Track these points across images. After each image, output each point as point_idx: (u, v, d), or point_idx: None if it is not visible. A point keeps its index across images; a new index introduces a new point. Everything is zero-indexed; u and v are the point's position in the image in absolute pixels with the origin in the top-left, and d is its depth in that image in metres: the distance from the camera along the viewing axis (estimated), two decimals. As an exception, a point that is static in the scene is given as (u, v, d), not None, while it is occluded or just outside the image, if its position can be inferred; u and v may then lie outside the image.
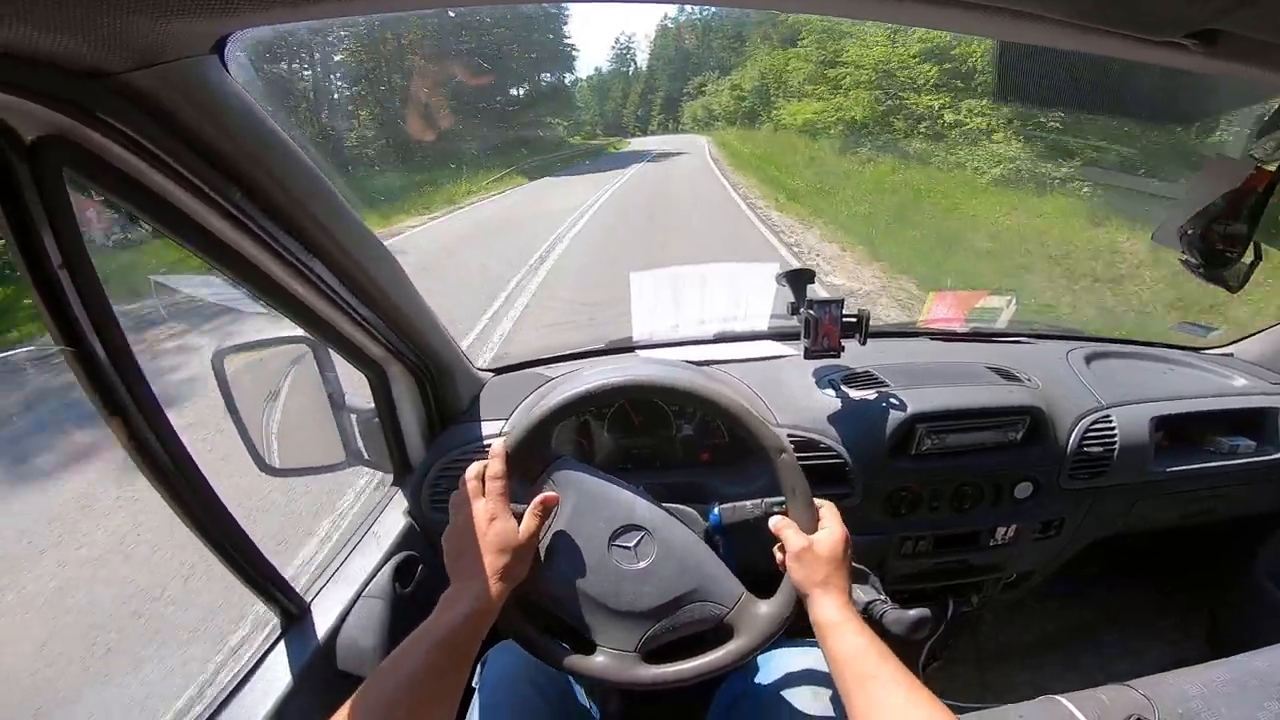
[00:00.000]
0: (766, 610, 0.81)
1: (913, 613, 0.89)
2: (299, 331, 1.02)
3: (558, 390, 0.93)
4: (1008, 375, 1.28)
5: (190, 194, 0.60)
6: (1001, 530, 1.27)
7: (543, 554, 0.82)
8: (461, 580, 0.73)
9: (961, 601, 1.40)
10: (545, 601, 0.82)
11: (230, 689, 0.86)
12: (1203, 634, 1.74)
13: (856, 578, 0.91)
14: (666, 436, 1.21)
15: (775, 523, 0.84)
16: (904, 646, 0.77)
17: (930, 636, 1.47)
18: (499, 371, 1.33)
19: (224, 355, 1.01)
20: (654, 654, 0.82)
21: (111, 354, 0.59)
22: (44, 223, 0.51)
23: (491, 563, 0.73)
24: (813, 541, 0.79)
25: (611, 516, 0.85)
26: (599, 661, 0.80)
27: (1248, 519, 1.53)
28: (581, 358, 1.37)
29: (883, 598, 0.90)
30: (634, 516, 0.85)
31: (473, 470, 0.79)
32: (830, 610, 0.75)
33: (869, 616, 0.90)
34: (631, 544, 0.84)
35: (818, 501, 0.85)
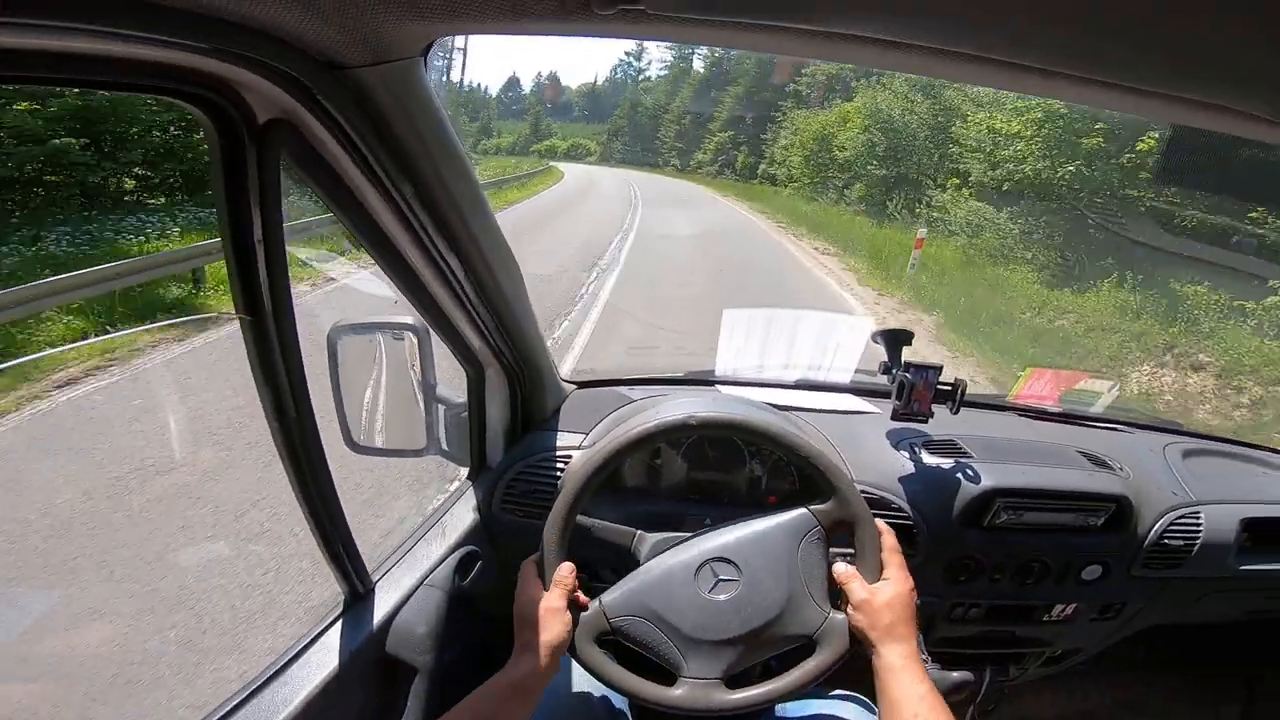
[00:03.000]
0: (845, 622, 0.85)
1: (956, 675, 0.93)
2: (409, 320, 1.08)
3: (655, 412, 0.95)
4: (1099, 462, 1.25)
5: (372, 185, 0.65)
6: (1059, 608, 1.26)
7: (631, 595, 0.86)
8: (514, 651, 0.83)
9: (999, 671, 1.38)
10: (630, 643, 0.85)
11: (288, 658, 0.88)
12: None
13: None
14: (736, 473, 1.21)
15: (839, 572, 0.87)
16: None
17: (969, 702, 1.43)
18: (582, 385, 1.36)
19: (340, 332, 1.07)
20: (735, 677, 0.84)
21: (280, 328, 0.63)
22: (256, 199, 0.55)
23: (527, 638, 0.83)
24: (873, 592, 0.83)
25: (692, 555, 0.88)
26: (679, 693, 0.83)
27: None
28: (663, 384, 1.39)
29: (925, 657, 0.91)
30: (715, 549, 0.88)
31: (533, 556, 0.90)
32: (893, 656, 0.79)
33: None
34: (717, 575, 0.86)
35: (888, 546, 0.87)
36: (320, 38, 0.49)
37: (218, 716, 0.76)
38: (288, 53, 0.49)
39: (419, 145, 0.65)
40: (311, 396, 0.73)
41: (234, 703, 0.78)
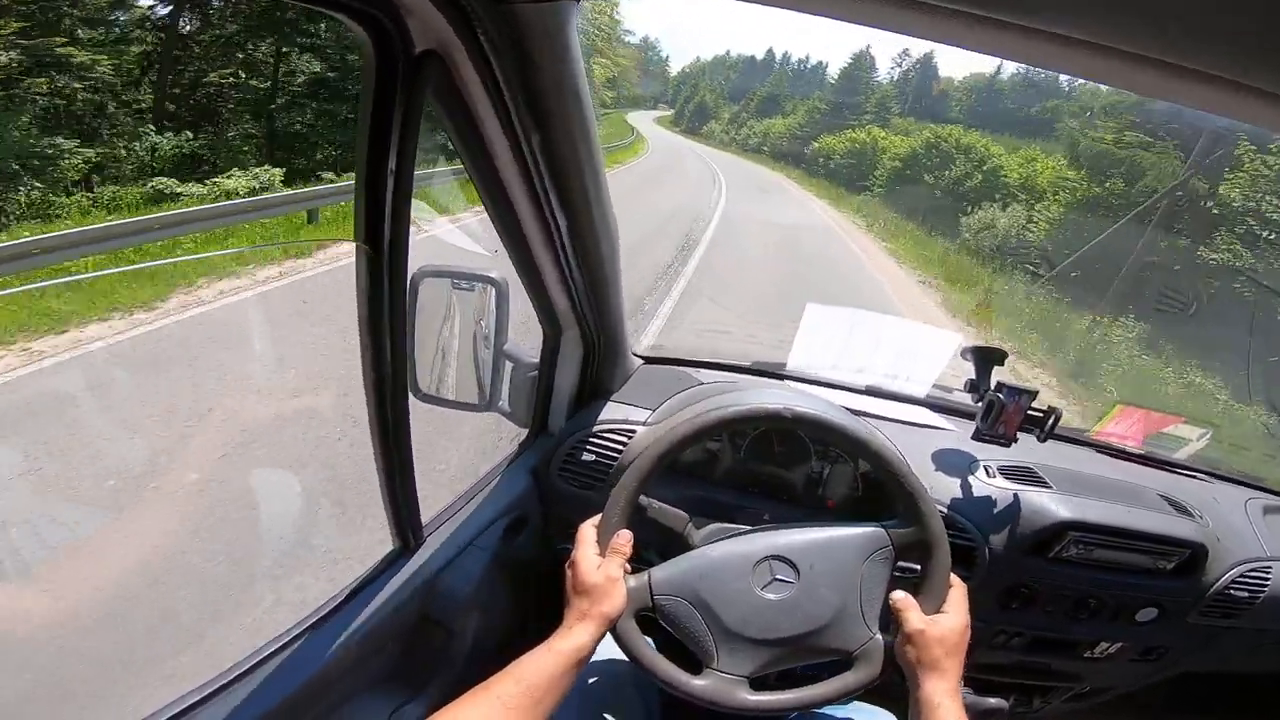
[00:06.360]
0: (887, 645, 0.83)
1: (991, 701, 0.88)
2: (492, 273, 1.06)
3: (744, 396, 0.91)
4: (1180, 508, 1.20)
5: (504, 130, 0.63)
6: (1103, 645, 1.22)
7: (681, 576, 0.84)
8: (568, 617, 0.80)
9: (1021, 701, 1.35)
10: (668, 623, 0.83)
11: (331, 607, 0.88)
12: None
13: None
14: (796, 471, 1.18)
15: (897, 600, 0.84)
16: None
17: None
18: (650, 361, 1.33)
19: (424, 275, 1.05)
20: (761, 679, 0.82)
21: (394, 264, 0.61)
22: (397, 129, 0.53)
23: (586, 607, 0.79)
24: (929, 624, 0.80)
25: (754, 548, 0.85)
26: (702, 683, 0.81)
27: None
28: (732, 370, 1.35)
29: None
30: (778, 547, 0.85)
31: (592, 519, 0.87)
32: (937, 693, 0.76)
33: None
34: (774, 574, 0.84)
35: (952, 578, 0.84)
36: None
37: (255, 661, 0.77)
38: None
39: (557, 94, 0.63)
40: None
41: (274, 647, 0.79)
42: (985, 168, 17.81)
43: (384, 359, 0.69)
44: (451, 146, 0.69)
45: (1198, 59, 0.36)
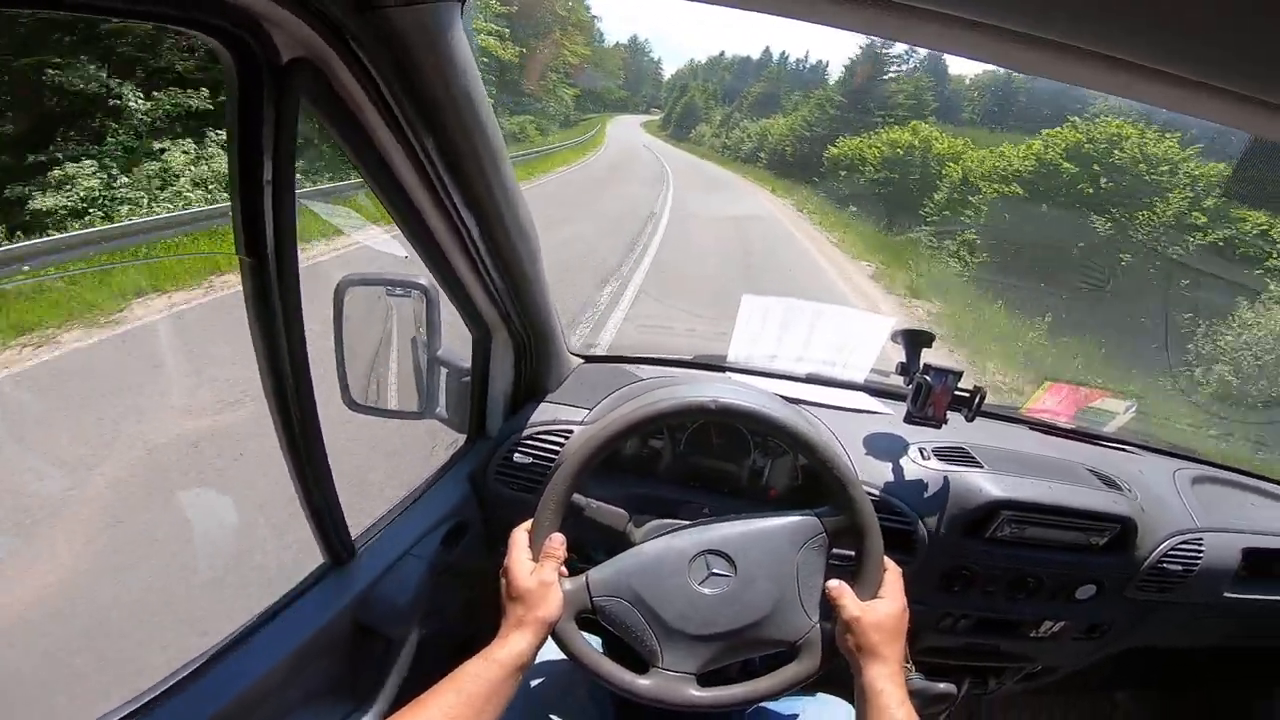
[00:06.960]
0: (828, 633, 0.83)
1: (941, 686, 0.90)
2: (419, 279, 1.04)
3: (675, 391, 0.91)
4: (1108, 481, 1.23)
5: (393, 135, 0.62)
6: (1047, 624, 1.25)
7: (618, 575, 0.83)
8: (504, 626, 0.79)
9: (977, 684, 1.38)
10: (609, 624, 0.83)
11: (257, 622, 0.86)
12: None
13: None
14: (739, 463, 1.19)
15: (830, 588, 0.84)
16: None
17: (946, 713, 1.44)
18: (589, 360, 1.33)
19: (348, 285, 1.04)
20: (709, 675, 0.82)
21: (282, 274, 0.60)
22: (270, 140, 0.52)
23: (521, 614, 0.79)
24: (865, 610, 0.81)
25: (688, 543, 0.85)
26: (648, 683, 0.80)
27: None
28: (672, 365, 1.36)
29: (909, 665, 0.89)
30: (712, 541, 0.85)
31: (524, 524, 0.86)
32: (879, 678, 0.77)
33: None
34: (711, 568, 0.84)
35: (886, 562, 0.85)
36: None
37: (178, 679, 0.74)
38: None
39: (446, 96, 0.61)
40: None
41: (196, 665, 0.76)
42: (1206, 204, 9.20)
43: (283, 372, 0.67)
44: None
45: (1168, 62, 0.37)
